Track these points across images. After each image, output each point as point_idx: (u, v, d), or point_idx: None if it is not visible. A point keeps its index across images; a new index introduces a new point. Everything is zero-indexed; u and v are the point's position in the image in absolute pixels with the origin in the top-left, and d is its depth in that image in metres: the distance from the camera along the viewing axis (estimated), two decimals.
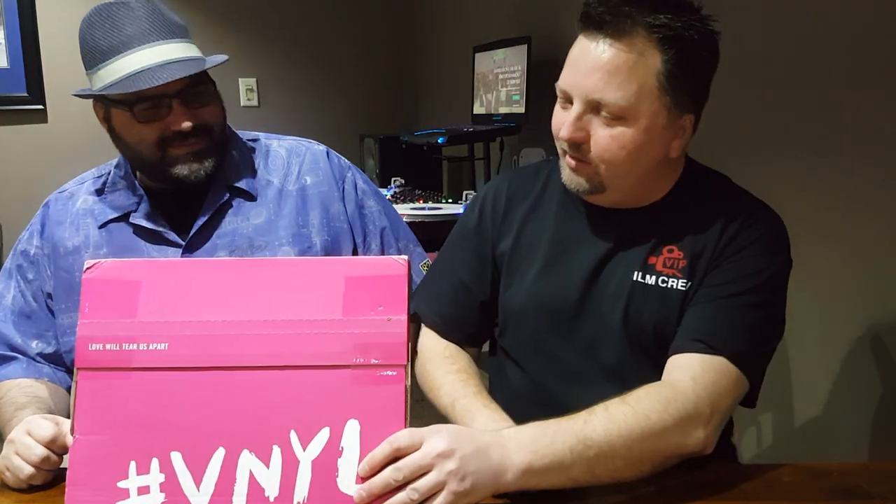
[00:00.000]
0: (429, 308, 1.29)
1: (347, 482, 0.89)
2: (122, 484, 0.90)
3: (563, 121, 1.10)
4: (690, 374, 1.02)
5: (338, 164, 1.43)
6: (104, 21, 1.22)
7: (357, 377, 0.91)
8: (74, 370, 0.93)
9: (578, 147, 1.09)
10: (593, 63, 1.05)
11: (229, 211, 1.32)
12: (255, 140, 1.42)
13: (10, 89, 3.52)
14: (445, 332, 1.27)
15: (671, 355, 1.07)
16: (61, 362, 1.32)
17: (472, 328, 1.28)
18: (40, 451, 0.99)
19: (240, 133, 1.41)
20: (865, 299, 1.70)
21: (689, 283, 1.11)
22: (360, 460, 0.88)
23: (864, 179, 1.68)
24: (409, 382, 0.91)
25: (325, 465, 0.89)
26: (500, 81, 2.98)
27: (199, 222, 1.30)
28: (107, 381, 0.92)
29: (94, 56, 1.23)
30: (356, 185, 1.42)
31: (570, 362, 1.16)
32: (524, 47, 2.79)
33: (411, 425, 0.90)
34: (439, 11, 3.92)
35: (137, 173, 1.34)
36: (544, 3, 2.96)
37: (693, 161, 1.20)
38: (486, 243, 1.26)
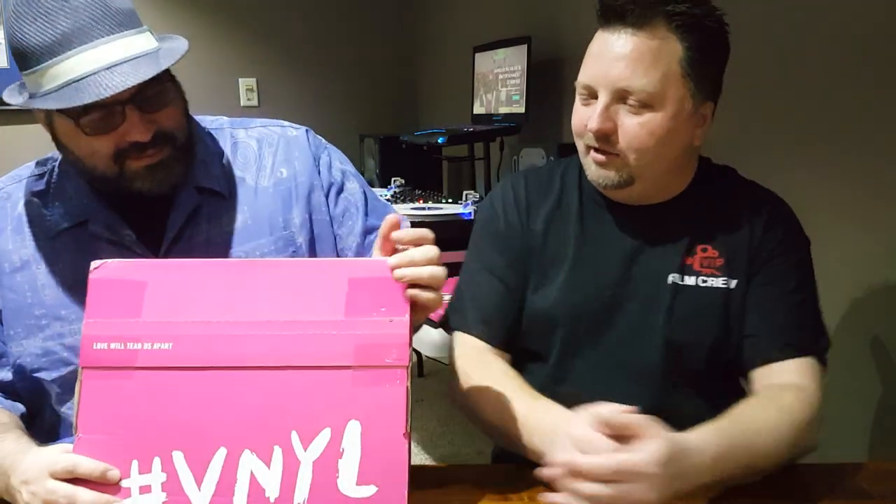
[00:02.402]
0: (472, 319, 1.20)
1: (348, 483, 0.88)
2: (124, 483, 0.89)
3: (586, 116, 1.11)
4: (797, 379, 1.08)
5: (313, 145, 1.27)
6: (34, 13, 0.99)
7: (358, 378, 0.90)
8: (79, 369, 0.92)
9: (607, 139, 1.10)
10: (617, 53, 1.07)
11: (201, 216, 1.15)
12: (218, 129, 1.24)
13: None
14: (493, 340, 1.19)
15: (761, 363, 1.10)
16: (11, 390, 1.13)
17: (516, 330, 1.21)
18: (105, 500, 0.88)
19: (200, 120, 1.23)
20: (865, 300, 1.70)
21: (730, 282, 1.13)
22: (361, 461, 0.88)
23: (860, 186, 1.68)
24: (410, 384, 0.91)
25: (326, 466, 0.89)
26: (500, 81, 2.98)
27: (170, 234, 1.13)
28: (111, 381, 0.91)
29: (24, 56, 1.02)
30: (330, 167, 1.26)
31: (602, 365, 1.15)
32: (524, 47, 2.79)
33: (412, 426, 0.90)
34: (439, 12, 3.92)
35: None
36: (544, 3, 2.96)
37: (701, 156, 1.21)
38: (516, 242, 1.22)
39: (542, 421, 1.02)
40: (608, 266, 1.16)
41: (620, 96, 1.08)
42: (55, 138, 1.09)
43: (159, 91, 1.05)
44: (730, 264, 1.13)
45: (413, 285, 0.92)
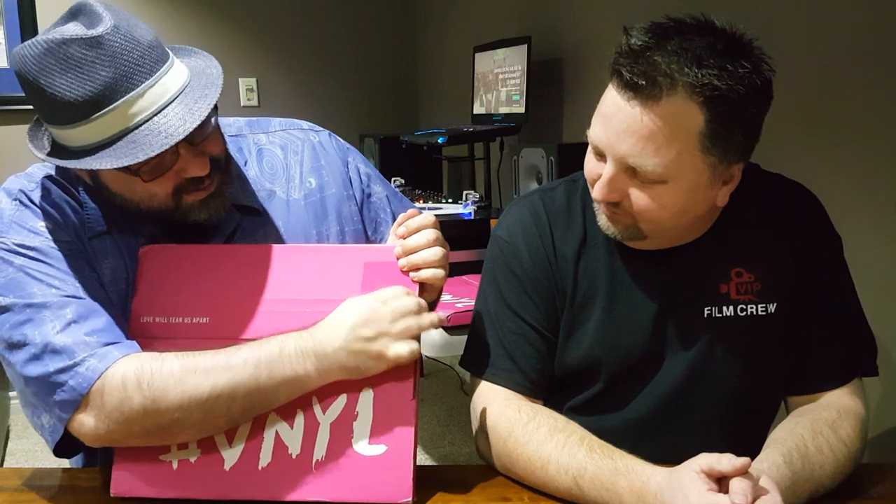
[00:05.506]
0: (504, 367, 1.10)
1: (361, 442, 0.98)
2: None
3: (595, 172, 1.02)
4: (851, 403, 1.06)
5: (337, 152, 1.26)
6: (63, 64, 0.92)
7: None
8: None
9: (616, 204, 1.02)
10: (627, 125, 0.95)
11: (237, 235, 1.13)
12: (239, 136, 1.22)
13: (10, 89, 3.51)
14: (530, 391, 1.10)
15: (813, 391, 1.08)
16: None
17: (551, 381, 1.13)
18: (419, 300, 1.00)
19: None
20: (864, 300, 1.70)
21: (768, 307, 1.08)
22: (373, 424, 0.98)
23: (859, 178, 1.68)
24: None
25: (342, 428, 0.98)
26: (500, 81, 2.98)
27: None
28: (155, 350, 0.99)
29: (56, 111, 0.95)
30: (359, 172, 1.26)
31: (643, 413, 1.11)
32: (524, 47, 2.79)
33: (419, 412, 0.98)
34: (439, 11, 3.92)
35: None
36: (544, 3, 2.96)
37: None
38: (545, 282, 1.12)
39: (634, 484, 0.90)
40: (643, 308, 1.10)
41: (629, 169, 0.98)
42: (98, 184, 1.04)
43: (204, 120, 0.98)
44: (768, 288, 1.08)
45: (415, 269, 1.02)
